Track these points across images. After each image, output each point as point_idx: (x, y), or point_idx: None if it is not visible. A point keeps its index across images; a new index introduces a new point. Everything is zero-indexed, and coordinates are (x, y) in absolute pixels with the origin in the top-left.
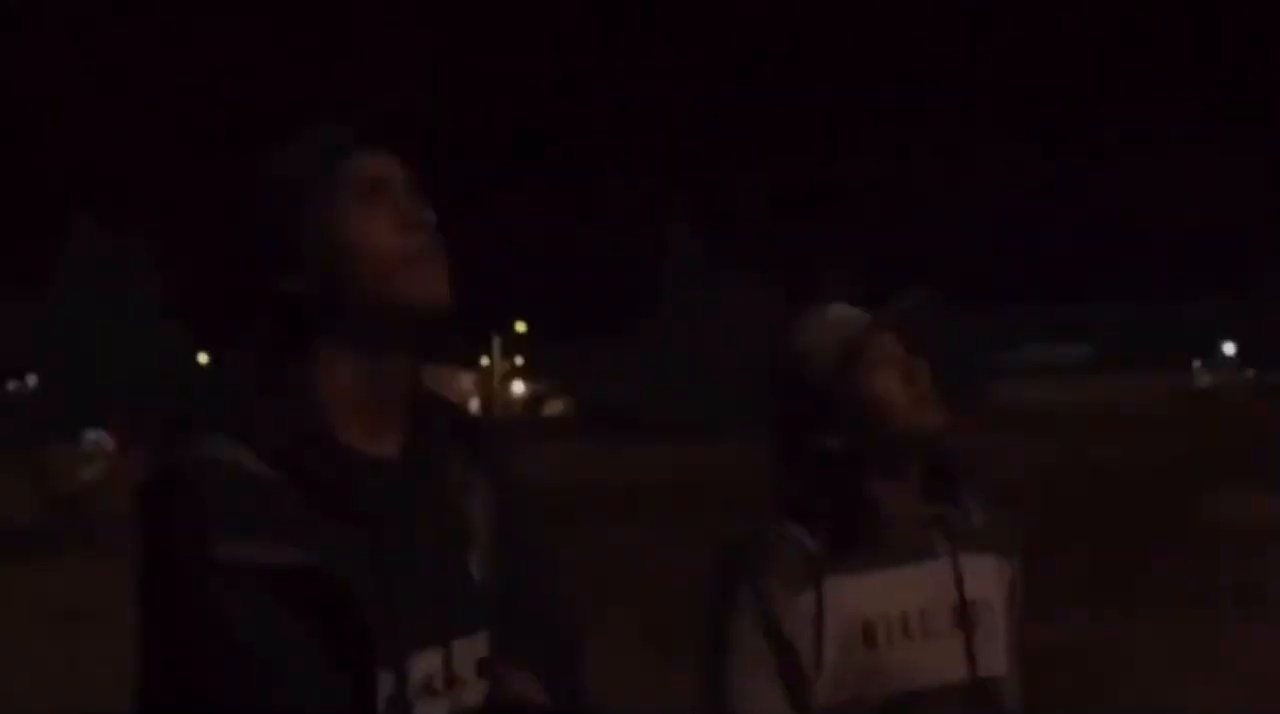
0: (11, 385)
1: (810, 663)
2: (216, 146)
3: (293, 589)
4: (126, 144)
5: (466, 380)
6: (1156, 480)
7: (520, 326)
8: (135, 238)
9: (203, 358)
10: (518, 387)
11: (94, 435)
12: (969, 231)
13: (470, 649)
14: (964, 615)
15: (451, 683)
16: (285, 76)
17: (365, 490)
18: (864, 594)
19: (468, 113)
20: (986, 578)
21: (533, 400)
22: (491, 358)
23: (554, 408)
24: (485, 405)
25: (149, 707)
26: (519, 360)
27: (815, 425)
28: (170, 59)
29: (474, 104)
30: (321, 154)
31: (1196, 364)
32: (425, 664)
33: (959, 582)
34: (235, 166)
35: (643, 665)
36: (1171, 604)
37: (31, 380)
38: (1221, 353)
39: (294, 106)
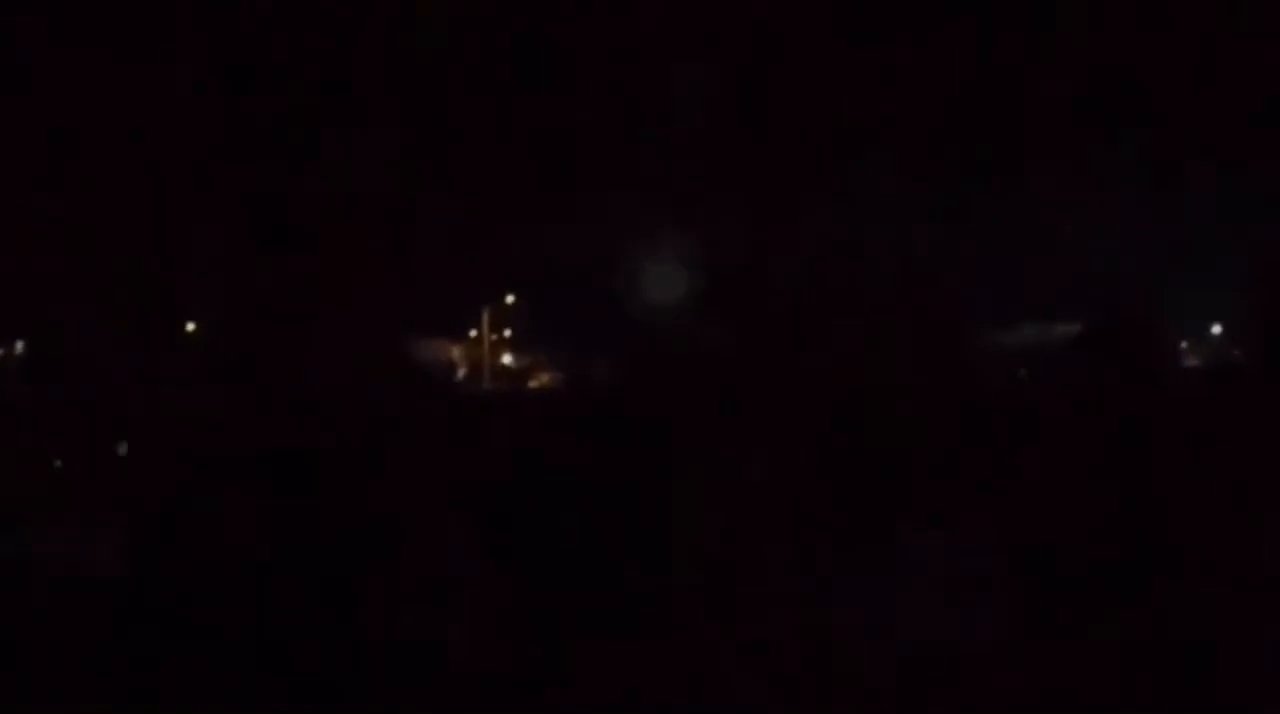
0: None
1: None
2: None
3: None
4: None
5: (454, 351)
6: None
7: (509, 298)
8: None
9: (190, 327)
10: (506, 358)
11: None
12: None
13: None
14: None
15: None
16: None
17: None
18: None
19: (463, 79)
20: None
21: (519, 372)
22: (480, 329)
23: (540, 380)
24: (473, 376)
25: None
26: (507, 332)
27: None
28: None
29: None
30: None
31: (1184, 344)
32: None
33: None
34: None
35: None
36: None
37: (19, 347)
38: (1209, 333)
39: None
